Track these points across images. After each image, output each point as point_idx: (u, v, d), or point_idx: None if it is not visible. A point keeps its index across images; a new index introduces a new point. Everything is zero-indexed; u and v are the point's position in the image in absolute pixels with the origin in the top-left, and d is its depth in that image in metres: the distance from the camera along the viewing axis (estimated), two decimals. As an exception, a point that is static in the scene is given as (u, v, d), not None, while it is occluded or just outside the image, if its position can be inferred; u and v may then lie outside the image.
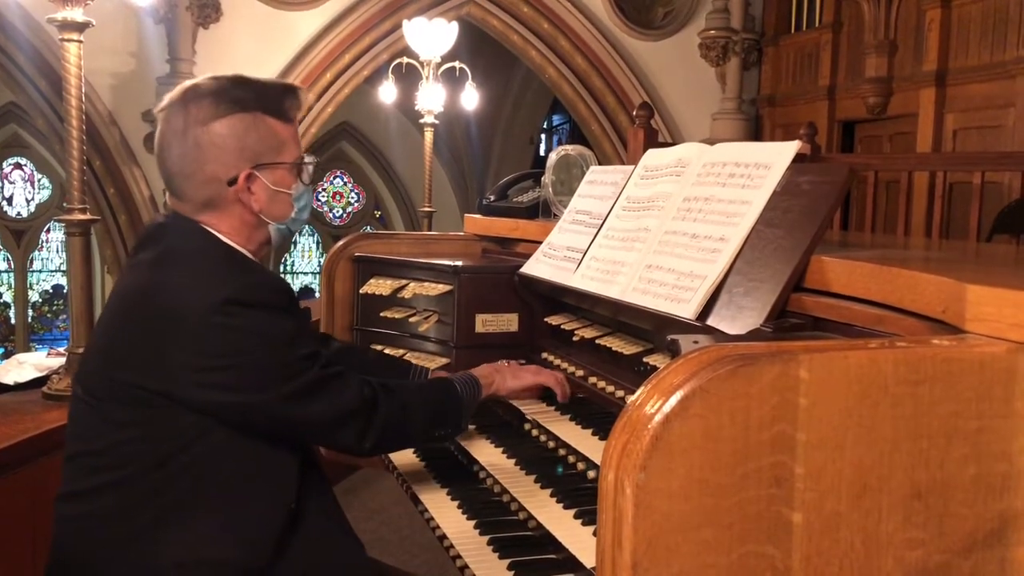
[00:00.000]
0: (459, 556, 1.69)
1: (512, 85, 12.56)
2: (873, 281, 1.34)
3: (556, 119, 14.37)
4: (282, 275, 14.61)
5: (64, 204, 2.95)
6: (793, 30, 9.01)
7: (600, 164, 2.58)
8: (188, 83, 1.71)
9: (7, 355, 12.29)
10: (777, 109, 9.18)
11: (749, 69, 9.37)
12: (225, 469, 1.58)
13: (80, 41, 2.82)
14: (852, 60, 7.96)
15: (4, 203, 13.66)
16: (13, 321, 13.89)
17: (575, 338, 2.19)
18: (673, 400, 0.88)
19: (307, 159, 1.79)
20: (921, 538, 0.99)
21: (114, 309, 1.65)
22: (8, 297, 13.92)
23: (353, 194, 15.15)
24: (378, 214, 15.10)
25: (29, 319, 13.93)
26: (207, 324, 1.52)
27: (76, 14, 2.79)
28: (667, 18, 9.49)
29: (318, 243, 15.19)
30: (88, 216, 2.89)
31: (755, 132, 9.35)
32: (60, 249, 13.79)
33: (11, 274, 13.86)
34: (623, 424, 0.91)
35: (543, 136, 14.63)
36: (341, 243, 2.72)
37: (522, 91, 12.69)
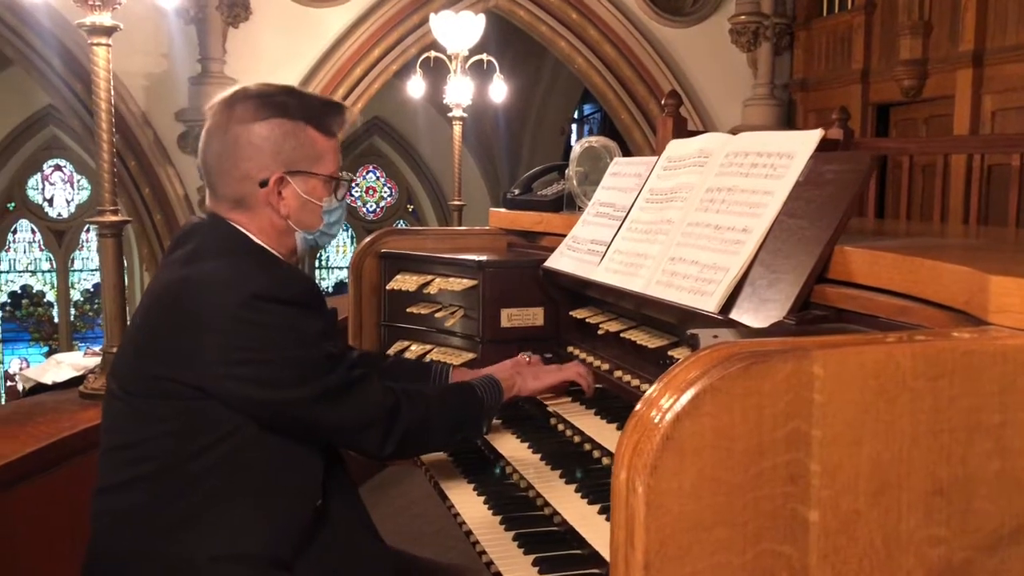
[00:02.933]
0: (485, 552, 1.69)
1: (542, 75, 12.51)
2: (896, 271, 1.32)
3: (587, 108, 14.28)
4: (317, 270, 14.77)
5: (97, 207, 3.00)
6: (825, 13, 8.87)
7: (630, 154, 2.57)
8: (239, 86, 1.75)
9: (51, 352, 12.54)
10: (810, 94, 9.05)
11: (781, 54, 9.25)
12: (254, 465, 1.60)
13: (108, 45, 2.86)
14: (886, 42, 7.82)
15: (45, 204, 13.91)
16: (56, 320, 14.16)
17: (600, 332, 2.18)
18: (684, 399, 0.87)
19: (343, 176, 1.80)
20: (944, 535, 0.97)
21: (147, 305, 1.68)
22: (51, 296, 14.19)
23: (386, 188, 15.21)
24: (411, 208, 15.15)
25: (72, 318, 14.19)
26: (235, 318, 1.55)
27: (104, 18, 2.83)
28: (697, 4, 9.40)
29: (352, 238, 15.28)
30: (119, 217, 2.94)
31: (788, 117, 9.23)
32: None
33: (53, 274, 14.12)
34: (634, 423, 0.90)
35: (574, 126, 14.57)
36: (367, 240, 2.74)
37: (552, 81, 12.64)
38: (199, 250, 1.67)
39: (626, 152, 2.64)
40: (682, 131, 4.78)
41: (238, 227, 1.71)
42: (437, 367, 2.20)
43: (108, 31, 2.84)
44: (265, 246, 1.73)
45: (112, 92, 2.90)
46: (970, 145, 5.55)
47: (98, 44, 2.85)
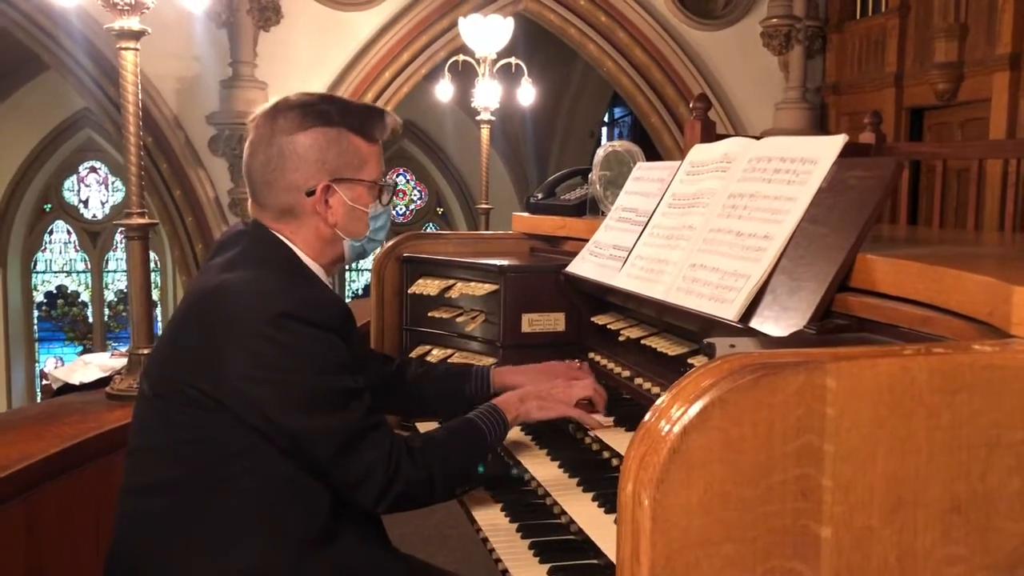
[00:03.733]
0: (500, 560, 1.68)
1: (572, 78, 12.48)
2: (920, 280, 1.29)
3: (618, 112, 14.23)
4: (347, 271, 14.84)
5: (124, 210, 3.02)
6: (858, 15, 8.76)
7: (659, 159, 2.55)
8: (280, 97, 1.76)
9: (85, 352, 12.72)
10: (843, 97, 8.94)
11: (813, 57, 9.14)
12: (271, 480, 1.59)
13: (136, 49, 2.88)
14: (920, 45, 7.71)
15: (80, 206, 14.13)
16: (91, 320, 14.36)
17: (621, 338, 2.16)
18: (692, 411, 0.85)
19: (387, 181, 1.80)
20: (962, 554, 0.94)
21: (181, 309, 1.69)
22: (86, 297, 14.40)
23: (415, 191, 15.27)
24: (440, 211, 15.18)
25: (105, 318, 14.38)
26: (259, 334, 1.54)
27: (132, 23, 2.85)
28: (728, 7, 9.32)
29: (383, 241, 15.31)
30: (146, 220, 2.96)
31: (820, 121, 9.12)
32: (133, 249, 14.15)
33: (88, 274, 14.33)
34: (641, 435, 0.88)
35: (604, 129, 14.52)
36: (390, 244, 2.74)
37: (582, 84, 12.60)
38: (239, 257, 1.67)
39: (655, 156, 2.62)
40: (711, 135, 4.73)
41: (281, 237, 1.71)
42: (478, 371, 2.13)
43: (136, 35, 2.86)
44: (306, 260, 1.73)
45: (140, 96, 2.92)
46: (1006, 150, 5.43)
47: (126, 48, 2.87)
